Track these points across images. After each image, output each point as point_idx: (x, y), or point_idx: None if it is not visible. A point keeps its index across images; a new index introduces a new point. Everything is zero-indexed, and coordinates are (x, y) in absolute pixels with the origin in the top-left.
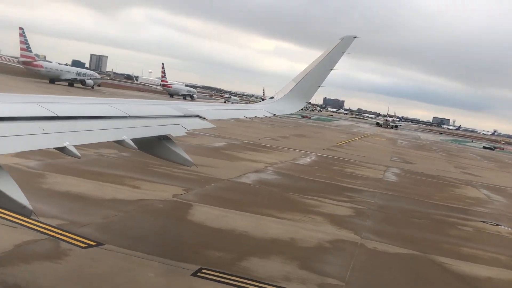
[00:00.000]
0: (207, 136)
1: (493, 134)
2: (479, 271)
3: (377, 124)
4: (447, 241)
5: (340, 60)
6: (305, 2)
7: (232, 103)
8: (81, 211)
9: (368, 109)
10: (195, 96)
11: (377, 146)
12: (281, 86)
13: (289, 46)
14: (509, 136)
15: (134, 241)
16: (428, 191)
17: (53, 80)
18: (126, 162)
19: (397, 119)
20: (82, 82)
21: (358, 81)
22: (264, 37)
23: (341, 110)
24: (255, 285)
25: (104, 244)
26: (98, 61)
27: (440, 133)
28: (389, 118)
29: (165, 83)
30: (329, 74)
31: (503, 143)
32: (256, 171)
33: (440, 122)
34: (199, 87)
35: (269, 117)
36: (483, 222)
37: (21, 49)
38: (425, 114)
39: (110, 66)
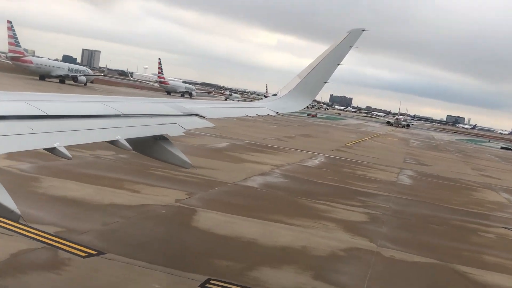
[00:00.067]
0: (209, 136)
1: (511, 133)
2: (503, 281)
3: (388, 123)
4: (468, 249)
5: (347, 54)
6: None
7: (233, 100)
8: (79, 217)
9: (377, 107)
10: (194, 93)
11: (389, 146)
12: (285, 83)
13: (293, 39)
14: None
15: (136, 250)
16: (445, 195)
17: (43, 76)
18: (124, 164)
19: (409, 118)
20: (74, 78)
21: (367, 77)
22: (266, 30)
23: (349, 108)
24: None
25: (105, 253)
26: (90, 56)
27: (455, 132)
28: (400, 117)
29: (162, 79)
30: (336, 70)
31: None
32: (262, 174)
33: (454, 121)
34: (197, 83)
35: (272, 115)
36: (506, 228)
37: (9, 43)
38: (438, 112)
39: (103, 62)
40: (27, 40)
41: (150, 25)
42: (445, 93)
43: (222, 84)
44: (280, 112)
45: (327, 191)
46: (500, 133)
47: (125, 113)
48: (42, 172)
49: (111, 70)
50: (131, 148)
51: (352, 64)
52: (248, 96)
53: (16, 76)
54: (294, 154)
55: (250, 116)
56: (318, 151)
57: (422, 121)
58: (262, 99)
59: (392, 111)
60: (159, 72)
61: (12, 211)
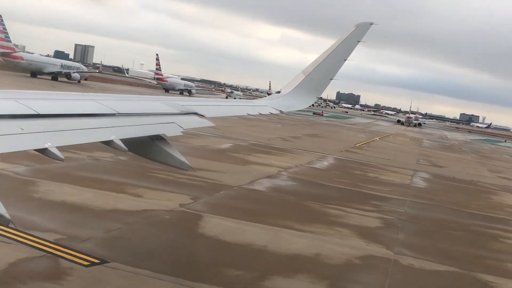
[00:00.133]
0: (211, 136)
1: None
2: None
3: (398, 121)
4: (490, 256)
5: (355, 49)
6: None
7: (235, 98)
8: (80, 223)
9: (387, 105)
10: (193, 91)
11: (400, 147)
12: (289, 79)
13: (298, 34)
14: None
15: (141, 258)
16: (462, 198)
17: (35, 73)
18: (124, 167)
19: (420, 116)
20: (67, 75)
21: (376, 73)
22: (269, 24)
23: (357, 106)
24: None
25: (109, 262)
26: (83, 52)
27: (469, 131)
28: (411, 115)
29: (160, 76)
30: (343, 66)
31: None
32: (269, 177)
33: (468, 119)
34: (197, 80)
35: (275, 114)
36: None
37: None
38: (451, 110)
39: (97, 57)
40: (16, 34)
41: (147, 18)
42: (459, 90)
43: (222, 81)
44: (284, 110)
45: (339, 195)
46: None
47: (120, 112)
48: (38, 176)
49: (105, 66)
50: (126, 148)
51: (360, 60)
52: (250, 93)
53: (6, 73)
54: (301, 155)
55: (252, 115)
56: (327, 152)
57: (434, 120)
58: (265, 96)
59: (403, 109)
60: (156, 69)
61: (1, 216)
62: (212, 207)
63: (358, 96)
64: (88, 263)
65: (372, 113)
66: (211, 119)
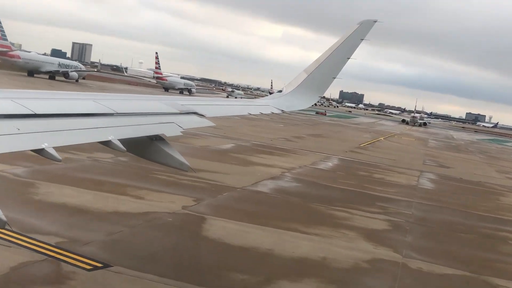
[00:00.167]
0: (212, 136)
1: None
2: None
3: (403, 121)
4: (500, 260)
5: (358, 47)
6: None
7: (236, 97)
8: (81, 226)
9: (391, 104)
10: (193, 90)
11: (406, 147)
12: (291, 78)
13: (300, 31)
14: None
15: (144, 262)
16: (470, 200)
17: (32, 72)
18: (125, 168)
19: (425, 116)
20: (65, 74)
21: (379, 72)
22: (270, 22)
23: (361, 105)
24: None
25: (112, 266)
26: (81, 50)
27: (475, 131)
28: (416, 115)
29: (160, 75)
30: (346, 64)
31: None
32: (273, 178)
33: (474, 119)
34: (197, 79)
35: (277, 113)
36: None
37: None
38: (457, 109)
39: (95, 56)
40: (12, 32)
41: (146, 16)
42: (464, 88)
43: (223, 80)
44: (286, 110)
45: (344, 197)
46: None
47: (118, 112)
48: (37, 177)
49: (103, 65)
50: (125, 149)
51: (364, 58)
52: (251, 92)
53: (2, 72)
54: (305, 156)
55: (253, 115)
56: (331, 153)
57: (440, 119)
58: (267, 96)
59: (407, 109)
60: (156, 68)
61: None
62: (216, 209)
63: (362, 95)
64: (91, 267)
65: (376, 112)
66: (211, 119)
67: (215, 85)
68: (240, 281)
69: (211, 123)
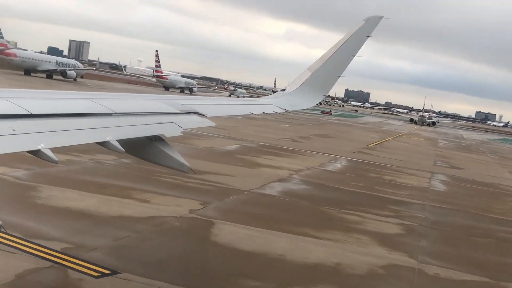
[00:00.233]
0: (216, 137)
1: None
2: None
3: (411, 120)
4: None
5: (364, 45)
6: None
7: (238, 96)
8: (86, 231)
9: (398, 103)
10: (194, 89)
11: (415, 147)
12: (295, 77)
13: (303, 28)
14: None
15: (153, 268)
16: (485, 202)
17: (29, 71)
18: (128, 170)
19: (434, 115)
20: (63, 73)
21: (386, 70)
22: (273, 18)
23: (367, 104)
24: None
25: (120, 272)
26: (78, 48)
27: (486, 130)
28: (425, 114)
29: (160, 74)
30: (351, 62)
31: None
32: (280, 180)
33: (484, 118)
34: (197, 78)
35: (279, 113)
36: None
37: None
38: (466, 108)
39: (93, 54)
40: (7, 30)
41: (144, 13)
42: (474, 86)
43: (225, 78)
44: (289, 109)
45: (355, 199)
46: None
47: (116, 112)
48: (39, 180)
49: (102, 63)
50: (123, 150)
51: (369, 56)
52: (253, 91)
53: None
54: (312, 157)
55: (256, 114)
56: (339, 154)
57: (449, 118)
58: (270, 94)
59: (415, 107)
60: (156, 66)
61: None
62: (224, 213)
63: (368, 94)
64: (99, 274)
65: (383, 111)
66: (212, 118)
67: (217, 84)
68: None
69: (212, 123)
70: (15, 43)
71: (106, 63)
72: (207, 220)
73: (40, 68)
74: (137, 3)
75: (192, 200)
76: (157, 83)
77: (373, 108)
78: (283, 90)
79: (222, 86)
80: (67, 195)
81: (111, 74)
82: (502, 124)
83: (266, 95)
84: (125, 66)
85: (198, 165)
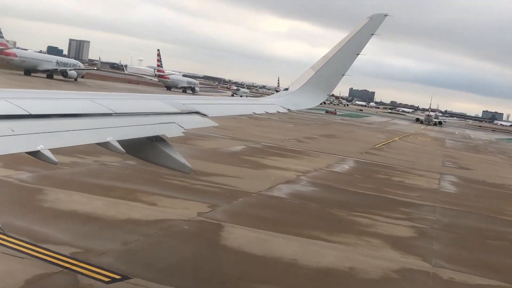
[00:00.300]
0: (221, 138)
1: None
2: None
3: (417, 120)
4: None
5: (368, 43)
6: None
7: (241, 96)
8: (94, 235)
9: (403, 102)
10: (197, 88)
11: (422, 147)
12: (297, 75)
13: (307, 26)
14: None
15: (164, 273)
16: (496, 204)
17: (29, 71)
18: (133, 172)
19: (440, 114)
20: (64, 73)
21: (391, 68)
22: (276, 16)
23: (372, 104)
24: None
25: (130, 277)
26: (78, 47)
27: (493, 130)
28: (431, 113)
29: (162, 73)
30: (355, 61)
31: None
32: (288, 182)
33: (491, 117)
34: (199, 77)
35: (283, 113)
36: None
37: None
38: (473, 107)
39: (93, 53)
40: (5, 29)
41: (145, 11)
42: (480, 85)
43: (227, 78)
44: (292, 109)
45: (365, 201)
46: None
47: (117, 112)
48: (44, 183)
49: (102, 63)
50: (124, 151)
51: (374, 54)
52: (256, 90)
53: None
54: (319, 158)
55: (259, 114)
56: (345, 154)
57: (455, 118)
58: (273, 93)
59: (421, 107)
60: (158, 65)
61: None
62: (232, 216)
63: (373, 93)
64: (109, 279)
65: (388, 111)
66: (214, 118)
67: (219, 83)
68: None
69: (214, 123)
70: (14, 43)
71: (106, 63)
72: (216, 223)
73: (41, 68)
74: (138, 1)
75: (200, 202)
76: (158, 82)
77: (378, 108)
78: (286, 89)
79: (225, 85)
80: (73, 198)
81: (112, 73)
82: (509, 124)
83: (269, 95)
84: (126, 66)
85: (203, 167)
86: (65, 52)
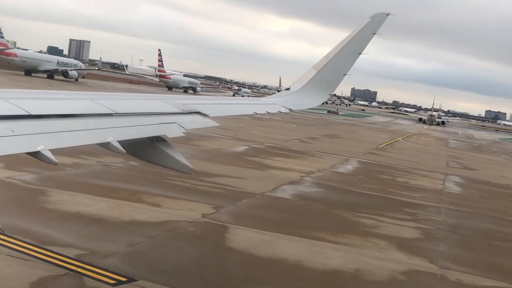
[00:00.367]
0: (223, 138)
1: None
2: None
3: (420, 120)
4: None
5: (370, 42)
6: None
7: (243, 96)
8: (99, 237)
9: (406, 102)
10: (198, 88)
11: (426, 147)
12: (298, 75)
13: (308, 26)
14: None
15: (169, 275)
16: (502, 205)
17: (30, 71)
18: (137, 173)
19: (443, 114)
20: (64, 73)
21: (393, 68)
22: (277, 16)
23: (374, 103)
24: None
25: (136, 280)
26: (78, 47)
27: (496, 130)
28: (434, 113)
29: (163, 73)
30: (357, 60)
31: None
32: (292, 183)
33: (494, 117)
34: (200, 77)
35: (284, 113)
36: None
37: None
38: (475, 106)
39: (93, 53)
40: (5, 29)
41: (145, 11)
42: (483, 85)
43: (228, 78)
44: (294, 109)
45: (369, 202)
46: None
47: (117, 112)
48: (48, 184)
49: (103, 63)
50: (124, 151)
51: (376, 53)
52: (258, 90)
53: None
54: (322, 159)
55: (260, 114)
56: (349, 155)
57: (458, 118)
58: (275, 93)
59: (423, 106)
60: (159, 65)
61: None
62: (237, 217)
63: (375, 93)
64: (115, 282)
65: (391, 111)
66: (215, 118)
67: (220, 83)
68: None
69: (215, 123)
70: (14, 43)
71: (107, 63)
72: (221, 225)
73: (41, 68)
74: (138, 1)
75: (204, 204)
76: (159, 82)
77: (381, 108)
78: (288, 89)
79: (226, 85)
80: (77, 200)
81: (113, 74)
82: None
83: (270, 95)
84: (126, 66)
85: (206, 167)
86: (66, 52)
